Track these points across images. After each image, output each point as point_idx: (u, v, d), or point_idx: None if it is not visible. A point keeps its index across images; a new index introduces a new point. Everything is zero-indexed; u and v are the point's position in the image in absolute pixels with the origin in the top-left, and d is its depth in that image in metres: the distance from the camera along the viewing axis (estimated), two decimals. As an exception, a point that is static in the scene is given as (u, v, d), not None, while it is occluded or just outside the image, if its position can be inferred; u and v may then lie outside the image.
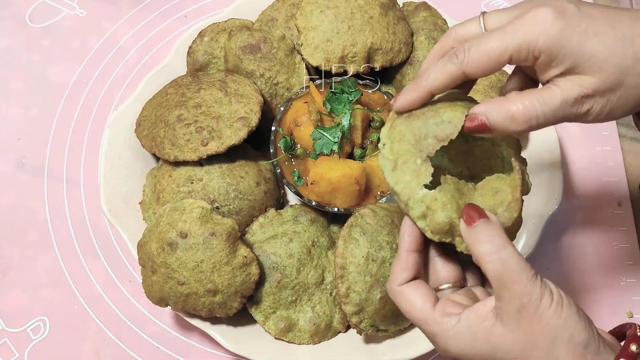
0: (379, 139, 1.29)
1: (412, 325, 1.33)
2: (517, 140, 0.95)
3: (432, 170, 0.83)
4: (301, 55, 1.48)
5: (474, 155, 0.99)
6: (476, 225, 0.80)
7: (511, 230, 0.87)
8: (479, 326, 0.79)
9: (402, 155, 0.85)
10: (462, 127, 0.84)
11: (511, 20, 0.83)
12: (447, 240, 0.85)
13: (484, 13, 0.89)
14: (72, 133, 1.65)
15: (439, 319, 0.82)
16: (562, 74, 0.81)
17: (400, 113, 0.90)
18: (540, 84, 0.88)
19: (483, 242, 0.79)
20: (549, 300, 0.77)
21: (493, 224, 0.80)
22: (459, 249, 0.85)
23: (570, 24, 0.79)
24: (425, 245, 0.90)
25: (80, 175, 1.60)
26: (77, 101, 1.68)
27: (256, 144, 1.48)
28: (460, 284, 0.89)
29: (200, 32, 1.55)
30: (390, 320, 1.26)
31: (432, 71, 0.86)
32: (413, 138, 0.85)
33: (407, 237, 0.88)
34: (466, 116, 0.84)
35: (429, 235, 0.85)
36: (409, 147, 0.85)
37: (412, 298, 0.85)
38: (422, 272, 0.89)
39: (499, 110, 0.82)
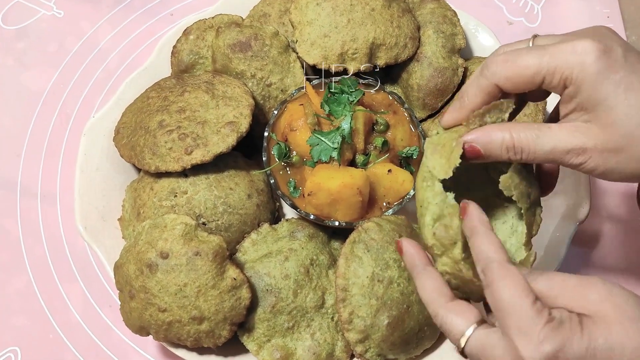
0: (383, 144, 1.21)
1: (425, 353, 1.25)
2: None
3: (461, 151, 0.87)
4: (296, 52, 1.41)
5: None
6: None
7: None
8: (571, 320, 0.78)
9: (446, 142, 0.91)
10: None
11: (559, 42, 0.86)
12: (438, 252, 0.89)
13: (535, 36, 0.92)
14: (48, 144, 1.58)
15: (538, 311, 0.78)
16: (577, 112, 0.85)
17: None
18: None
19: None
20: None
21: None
22: (439, 269, 0.89)
23: (609, 67, 0.82)
24: None
25: (57, 190, 1.53)
26: (53, 109, 1.61)
27: (248, 152, 1.41)
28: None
29: (186, 29, 1.47)
30: (400, 349, 1.19)
31: (468, 88, 0.91)
32: (458, 133, 0.91)
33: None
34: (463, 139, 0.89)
35: (429, 237, 0.89)
36: (455, 136, 0.90)
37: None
38: None
39: (495, 137, 0.87)
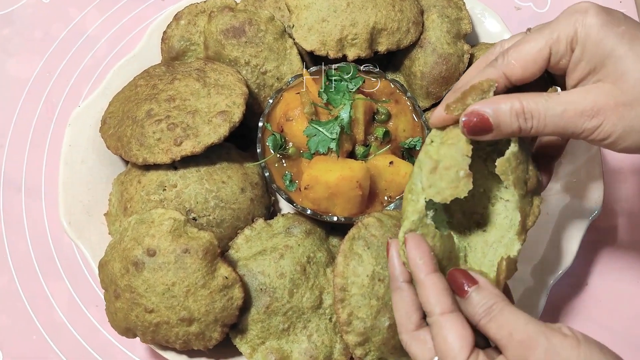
0: (385, 134, 1.15)
1: None
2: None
3: (471, 186, 0.86)
4: (293, 38, 1.35)
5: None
6: (468, 297, 0.84)
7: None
8: None
9: (446, 160, 0.87)
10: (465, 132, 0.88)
11: (549, 22, 0.89)
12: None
13: (529, 29, 0.94)
14: (33, 134, 1.53)
15: None
16: (586, 76, 0.85)
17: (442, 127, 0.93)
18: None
19: (477, 313, 0.83)
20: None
21: (483, 289, 0.85)
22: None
23: (611, 22, 0.83)
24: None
25: (42, 182, 1.48)
26: (38, 98, 1.57)
27: (242, 144, 1.36)
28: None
29: (176, 14, 1.41)
30: (402, 352, 1.13)
31: (473, 78, 0.91)
32: (466, 153, 0.87)
33: (420, 260, 0.88)
34: (465, 112, 0.87)
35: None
36: (457, 155, 0.87)
37: (452, 337, 0.84)
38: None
39: (504, 105, 0.85)
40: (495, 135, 0.86)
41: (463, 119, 0.86)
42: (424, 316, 0.90)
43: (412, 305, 0.90)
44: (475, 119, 0.85)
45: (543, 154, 1.03)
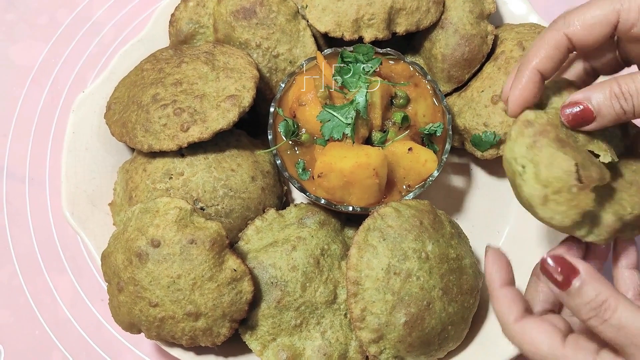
0: (403, 119, 1.12)
1: (448, 356, 1.18)
2: None
3: (593, 196, 0.82)
4: (306, 20, 1.32)
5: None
6: (571, 290, 0.78)
7: None
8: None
9: (553, 184, 0.83)
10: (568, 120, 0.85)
11: None
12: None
13: None
14: (37, 123, 1.51)
15: (572, 355, 0.79)
16: None
17: (528, 124, 0.86)
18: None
19: (584, 312, 0.78)
20: None
21: (587, 283, 0.78)
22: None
23: None
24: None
25: (45, 173, 1.47)
26: (43, 85, 1.55)
27: (252, 131, 1.33)
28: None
29: (185, -5, 1.37)
30: (419, 351, 1.11)
31: (533, 47, 0.87)
32: (568, 168, 0.82)
33: (496, 273, 0.87)
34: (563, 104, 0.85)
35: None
36: (561, 174, 0.82)
37: (535, 336, 0.81)
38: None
39: (601, 91, 0.82)
40: (597, 124, 0.84)
41: (566, 111, 0.84)
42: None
43: (511, 300, 0.86)
44: (576, 110, 0.83)
45: None
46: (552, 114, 0.87)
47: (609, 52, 0.94)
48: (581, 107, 0.83)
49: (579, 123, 0.84)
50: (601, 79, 0.94)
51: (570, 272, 0.78)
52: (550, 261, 0.80)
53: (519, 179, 0.86)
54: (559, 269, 0.78)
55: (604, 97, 0.82)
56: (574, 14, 0.85)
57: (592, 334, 0.80)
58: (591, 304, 0.76)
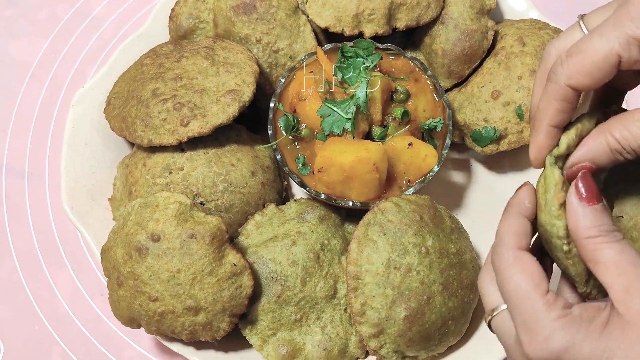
0: (403, 114, 1.12)
1: (449, 351, 1.17)
2: None
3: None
4: (306, 15, 1.32)
5: None
6: (597, 207, 0.75)
7: None
8: (593, 319, 0.72)
9: None
10: None
11: (615, 10, 0.77)
12: None
13: (582, 16, 0.84)
14: (37, 119, 1.51)
15: (551, 301, 0.74)
16: None
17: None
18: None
19: (598, 227, 0.74)
20: None
21: (606, 210, 0.75)
22: None
23: None
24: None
25: (45, 168, 1.46)
26: (42, 81, 1.54)
27: (252, 126, 1.33)
28: None
29: (184, -9, 1.37)
30: (419, 345, 1.11)
31: (541, 102, 0.82)
32: None
33: (524, 199, 0.82)
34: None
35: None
36: None
37: (532, 268, 0.77)
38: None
39: (601, 151, 0.78)
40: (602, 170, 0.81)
41: (578, 188, 0.78)
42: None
43: (523, 229, 0.81)
44: (583, 185, 0.78)
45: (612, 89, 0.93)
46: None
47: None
48: (586, 184, 0.77)
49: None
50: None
51: (597, 195, 0.76)
52: (581, 175, 0.78)
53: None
54: (592, 183, 0.77)
55: (607, 157, 0.78)
56: (572, 62, 0.78)
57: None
58: (603, 226, 0.74)
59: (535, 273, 0.76)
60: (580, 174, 0.77)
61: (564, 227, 0.76)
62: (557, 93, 0.80)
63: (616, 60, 0.75)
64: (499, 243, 0.81)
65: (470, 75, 1.33)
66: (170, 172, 1.18)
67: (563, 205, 0.76)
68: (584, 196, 0.76)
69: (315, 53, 1.26)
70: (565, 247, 0.77)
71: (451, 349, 1.17)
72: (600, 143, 0.78)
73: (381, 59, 1.21)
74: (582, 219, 0.75)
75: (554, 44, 0.85)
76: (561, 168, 0.80)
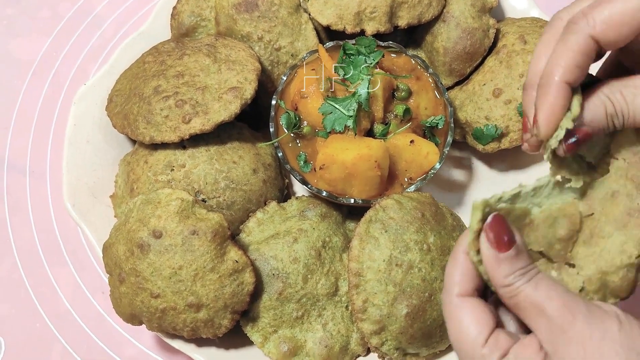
0: (405, 112, 1.12)
1: (450, 348, 1.17)
2: None
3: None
4: (308, 12, 1.32)
5: None
6: (506, 254, 0.76)
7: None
8: None
9: None
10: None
11: None
12: None
13: None
14: (38, 116, 1.50)
15: (487, 354, 0.76)
16: None
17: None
18: None
19: (512, 274, 0.76)
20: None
21: (523, 252, 0.77)
22: None
23: None
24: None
25: (47, 166, 1.46)
26: (44, 79, 1.54)
27: (254, 124, 1.32)
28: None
29: (186, -11, 1.37)
30: (421, 342, 1.10)
31: (555, 56, 0.76)
32: None
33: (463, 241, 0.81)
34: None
35: None
36: None
37: (467, 320, 0.78)
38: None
39: (596, 112, 0.77)
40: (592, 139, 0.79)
41: (567, 142, 0.77)
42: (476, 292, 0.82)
43: (467, 273, 0.81)
44: (573, 140, 0.77)
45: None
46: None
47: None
48: (495, 230, 0.76)
49: (575, 148, 0.78)
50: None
51: (508, 240, 0.76)
52: (491, 220, 0.77)
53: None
54: (502, 230, 0.76)
55: (600, 119, 0.76)
56: (597, 12, 0.74)
57: (507, 334, 0.78)
58: (517, 272, 0.75)
59: (475, 324, 0.77)
60: (490, 218, 0.76)
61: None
62: (577, 45, 0.75)
63: None
64: (444, 290, 0.81)
65: (471, 73, 1.33)
66: (172, 169, 1.18)
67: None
68: (493, 244, 0.75)
69: (316, 51, 1.26)
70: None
71: (452, 347, 1.17)
72: (597, 105, 0.76)
73: (383, 56, 1.21)
74: (497, 270, 0.76)
75: (566, 9, 0.81)
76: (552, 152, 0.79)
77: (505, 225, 0.76)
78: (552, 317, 0.72)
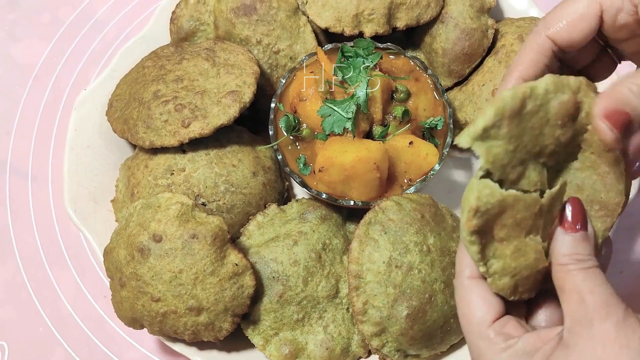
0: (404, 114, 1.12)
1: (451, 349, 1.17)
2: None
3: None
4: (306, 15, 1.31)
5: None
6: (577, 235, 0.76)
7: None
8: (538, 350, 0.73)
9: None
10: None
11: None
12: None
13: None
14: (40, 121, 1.51)
15: (492, 336, 0.76)
16: None
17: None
18: None
19: (571, 255, 0.75)
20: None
21: (590, 239, 0.76)
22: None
23: None
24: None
25: (49, 170, 1.46)
26: (46, 84, 1.54)
27: (254, 127, 1.32)
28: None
29: (185, -7, 1.37)
30: (422, 344, 1.10)
31: (517, 55, 0.83)
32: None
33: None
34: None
35: None
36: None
37: (475, 302, 0.79)
38: None
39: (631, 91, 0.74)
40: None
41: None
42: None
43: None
44: (614, 118, 0.73)
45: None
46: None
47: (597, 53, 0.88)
48: (573, 210, 0.77)
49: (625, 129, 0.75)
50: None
51: (583, 222, 0.77)
52: (569, 213, 0.77)
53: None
54: (577, 212, 0.77)
55: (633, 97, 0.74)
56: (553, 13, 0.80)
57: (517, 323, 0.79)
58: (579, 255, 0.75)
59: (481, 304, 0.78)
60: (570, 199, 0.77)
61: (477, 251, 0.75)
62: (535, 43, 0.80)
63: (598, 8, 0.77)
64: (456, 274, 0.83)
65: (470, 73, 1.32)
66: (172, 174, 1.18)
67: (474, 233, 0.74)
68: (568, 222, 0.76)
69: (315, 53, 1.26)
70: (482, 269, 0.76)
71: (453, 348, 1.16)
72: (632, 88, 0.74)
73: (381, 58, 1.20)
74: (560, 245, 0.76)
75: (544, 17, 0.84)
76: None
77: (583, 208, 0.77)
78: (588, 308, 0.71)
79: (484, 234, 0.75)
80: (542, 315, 0.83)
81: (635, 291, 1.30)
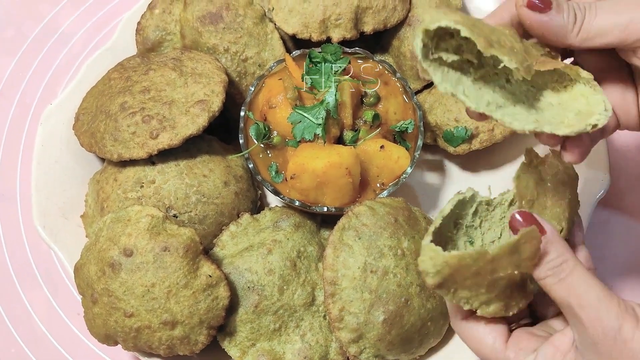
0: (374, 118, 1.11)
1: (430, 352, 1.16)
2: None
3: None
4: (273, 22, 1.30)
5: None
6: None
7: None
8: None
9: None
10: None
11: None
12: None
13: None
14: (6, 138, 1.48)
15: (513, 357, 0.79)
16: None
17: None
18: None
19: (543, 270, 0.77)
20: (632, 325, 0.72)
21: (552, 242, 0.77)
22: None
23: None
24: None
25: (16, 188, 1.43)
26: (11, 100, 1.52)
27: (225, 136, 1.30)
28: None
29: (150, 3, 1.37)
30: (400, 349, 1.09)
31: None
32: None
33: None
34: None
35: None
36: None
37: (480, 334, 0.82)
38: None
39: None
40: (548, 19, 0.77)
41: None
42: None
43: None
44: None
45: None
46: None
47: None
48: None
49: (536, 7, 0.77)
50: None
51: (532, 218, 0.78)
52: (518, 217, 0.79)
53: None
54: (527, 225, 0.77)
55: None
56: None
57: (529, 334, 0.81)
58: (551, 263, 0.76)
59: (487, 332, 0.82)
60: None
61: (451, 299, 0.80)
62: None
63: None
64: (450, 318, 0.87)
65: (439, 76, 1.32)
66: (142, 186, 1.16)
67: (437, 289, 0.79)
68: (517, 220, 0.79)
69: (284, 60, 1.24)
70: (467, 307, 0.80)
71: (432, 351, 1.15)
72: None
73: (349, 63, 1.20)
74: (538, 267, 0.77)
75: None
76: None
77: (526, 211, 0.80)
78: (587, 329, 0.74)
79: (452, 283, 0.78)
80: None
81: (609, 282, 1.30)
